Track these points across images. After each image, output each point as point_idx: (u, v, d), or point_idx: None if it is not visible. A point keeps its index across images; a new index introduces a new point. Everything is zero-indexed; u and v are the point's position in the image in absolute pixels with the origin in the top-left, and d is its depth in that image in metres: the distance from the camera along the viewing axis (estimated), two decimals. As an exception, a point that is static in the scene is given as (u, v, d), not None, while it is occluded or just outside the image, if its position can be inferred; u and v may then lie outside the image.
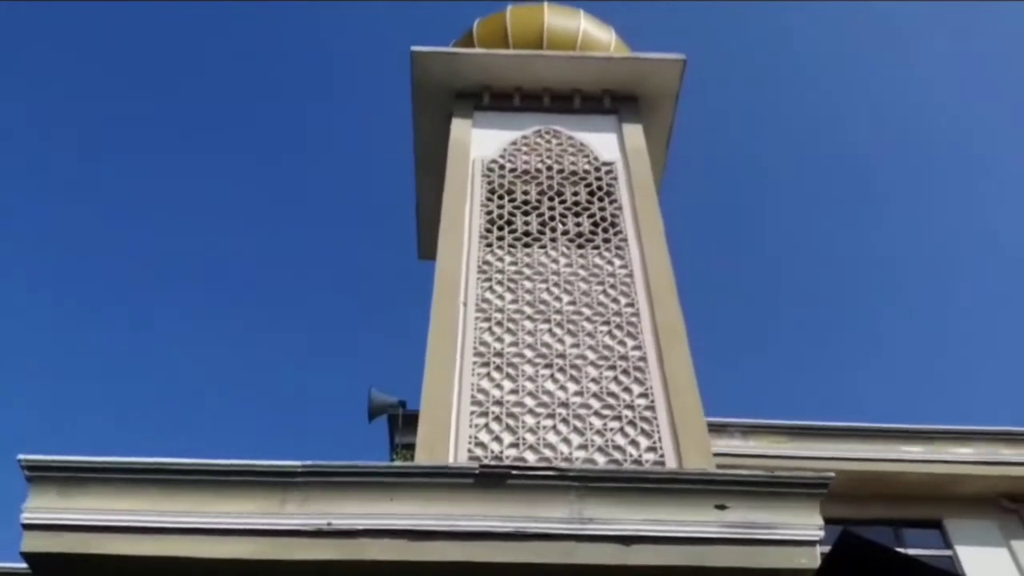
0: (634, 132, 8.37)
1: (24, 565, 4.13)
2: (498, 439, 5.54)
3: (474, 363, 6.01)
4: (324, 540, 4.05)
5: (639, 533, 4.00)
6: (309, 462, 4.28)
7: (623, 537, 3.99)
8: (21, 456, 4.26)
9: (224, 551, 4.02)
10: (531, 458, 5.33)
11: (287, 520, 4.11)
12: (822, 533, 4.08)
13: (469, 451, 5.44)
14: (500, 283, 6.67)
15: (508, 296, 6.57)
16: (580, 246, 7.04)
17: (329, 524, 4.08)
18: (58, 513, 4.08)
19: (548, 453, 5.41)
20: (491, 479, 4.22)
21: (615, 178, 7.76)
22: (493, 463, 4.40)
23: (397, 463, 5.23)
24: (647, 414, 5.66)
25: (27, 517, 4.06)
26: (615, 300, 6.50)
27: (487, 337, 6.21)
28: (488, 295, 6.57)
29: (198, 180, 23.52)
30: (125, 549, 4.00)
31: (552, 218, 7.30)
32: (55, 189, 22.36)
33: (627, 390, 5.82)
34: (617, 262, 6.84)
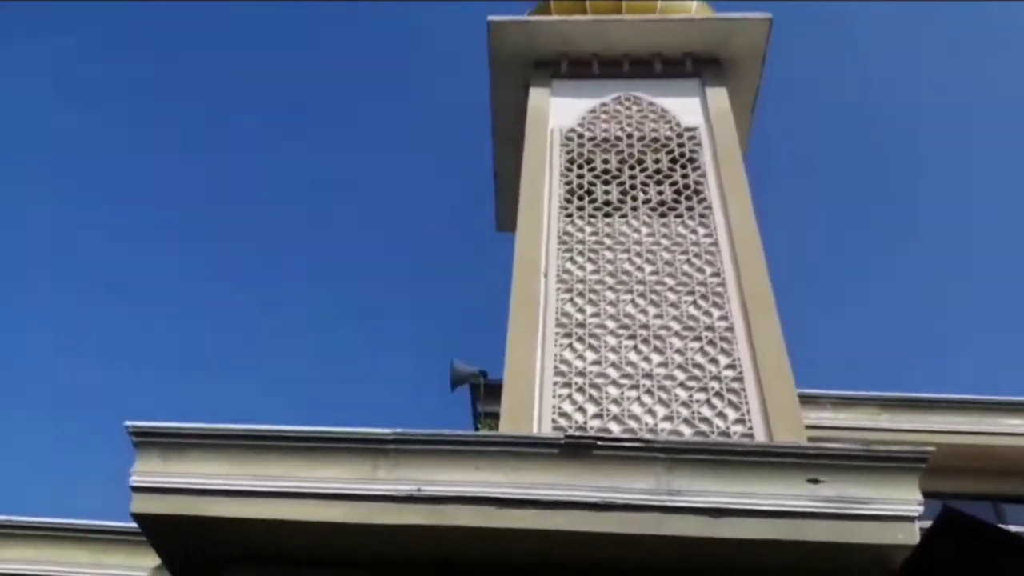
0: (718, 95, 8.13)
1: (134, 525, 4.36)
2: (582, 410, 5.54)
3: (556, 334, 6.00)
4: (414, 505, 4.13)
5: (729, 506, 3.94)
6: (399, 430, 4.36)
7: (712, 510, 3.93)
8: (128, 422, 4.48)
9: (318, 514, 4.14)
10: (615, 429, 5.31)
11: (378, 485, 4.20)
12: (921, 508, 3.94)
13: (553, 421, 5.45)
14: (581, 254, 6.62)
15: (589, 267, 6.52)
16: (662, 215, 6.92)
17: (419, 490, 4.16)
18: (162, 477, 4.28)
19: (633, 424, 5.38)
20: (577, 449, 4.21)
21: (698, 144, 7.57)
22: (578, 434, 4.39)
23: (483, 432, 5.28)
24: (735, 385, 5.55)
25: (135, 480, 4.27)
26: (700, 269, 6.37)
27: (569, 308, 6.18)
28: (569, 266, 6.54)
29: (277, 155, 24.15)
30: (224, 511, 4.16)
31: (633, 187, 7.19)
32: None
33: (713, 361, 5.72)
34: (701, 231, 6.69)
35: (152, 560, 4.99)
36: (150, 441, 4.39)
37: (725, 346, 5.79)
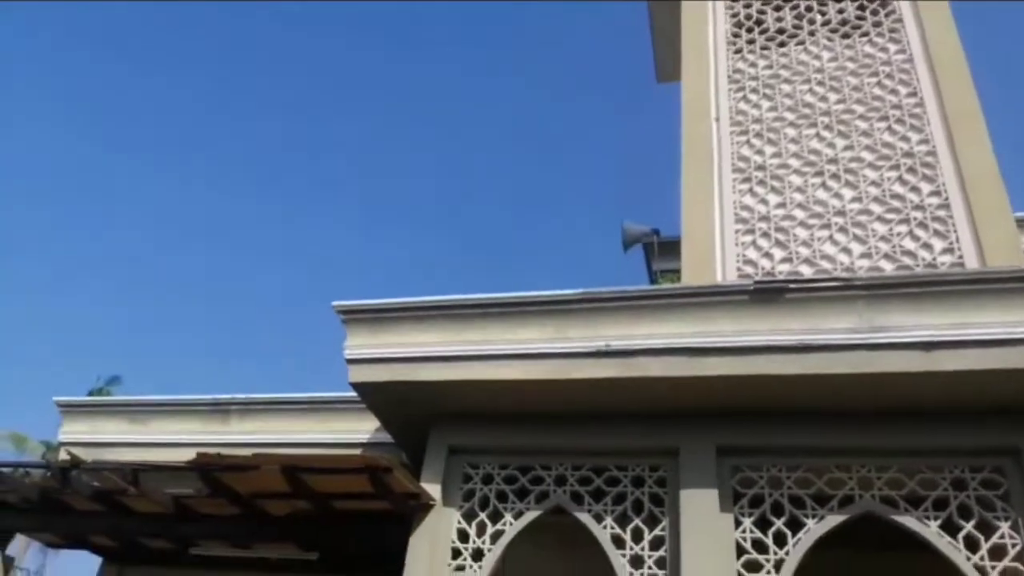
0: None
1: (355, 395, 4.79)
2: (768, 255, 5.32)
3: (734, 180, 5.73)
4: (604, 360, 4.23)
5: (941, 338, 3.71)
6: (583, 290, 4.43)
7: (923, 343, 3.72)
8: (335, 303, 4.85)
9: (515, 373, 4.35)
10: (807, 272, 5.07)
11: (568, 344, 4.33)
12: None
13: (738, 270, 5.29)
14: (755, 91, 6.19)
15: (765, 104, 6.09)
16: (845, 35, 6.26)
17: (608, 345, 4.24)
18: (372, 349, 4.64)
19: (826, 265, 5.11)
20: (767, 294, 4.09)
21: (881, -52, 6.69)
22: (767, 279, 4.24)
23: (667, 285, 5.23)
24: (940, 213, 5.09)
25: (348, 353, 4.67)
26: (893, 91, 5.77)
27: (746, 151, 5.86)
28: (742, 106, 6.14)
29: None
30: (430, 376, 4.47)
31: (809, 8, 6.52)
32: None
33: (914, 190, 5.25)
34: (892, 48, 6.01)
35: (373, 423, 5.49)
36: (357, 318, 4.76)
37: (927, 172, 5.28)
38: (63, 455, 5.94)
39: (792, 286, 4.05)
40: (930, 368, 3.68)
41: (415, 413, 4.74)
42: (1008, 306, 3.72)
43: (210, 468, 4.39)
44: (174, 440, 6.09)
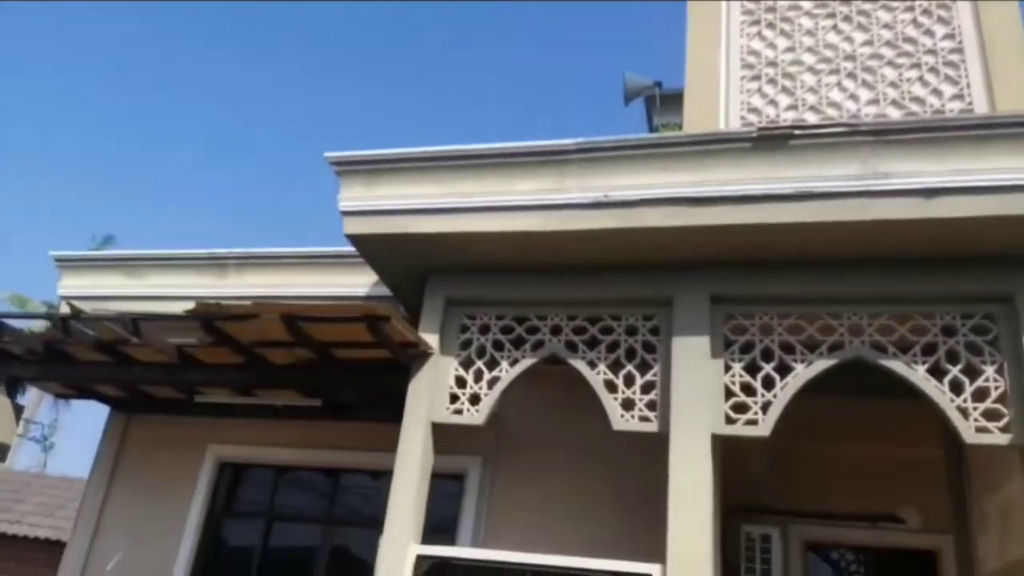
0: None
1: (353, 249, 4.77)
2: (773, 103, 5.16)
3: (742, 22, 5.47)
4: (603, 211, 4.19)
5: (944, 184, 3.65)
6: (582, 139, 4.32)
7: (925, 190, 3.66)
8: (327, 154, 4.74)
9: (511, 225, 4.31)
10: (812, 119, 4.93)
11: (567, 195, 4.27)
12: None
13: (742, 118, 5.15)
14: (767, -73, 5.79)
15: (777, -59, 5.71)
16: None
17: (606, 196, 4.19)
18: (367, 201, 4.58)
19: (832, 112, 4.97)
20: (771, 142, 3.99)
21: None
22: (771, 126, 4.12)
23: (668, 134, 5.09)
24: (953, 58, 4.89)
25: (343, 206, 4.61)
26: (913, -74, 5.41)
27: (755, -7, 5.55)
28: (753, -57, 5.76)
29: None
30: (427, 228, 4.44)
31: None
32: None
33: (928, 33, 5.02)
34: None
35: (371, 277, 5.52)
36: (351, 169, 4.67)
37: (943, 14, 5.03)
38: (64, 308, 6.01)
39: (796, 132, 3.95)
40: (930, 215, 3.64)
41: (411, 266, 4.75)
42: (1012, 152, 3.64)
43: (210, 317, 4.43)
44: (172, 293, 6.13)
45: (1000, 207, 3.57)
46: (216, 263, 6.43)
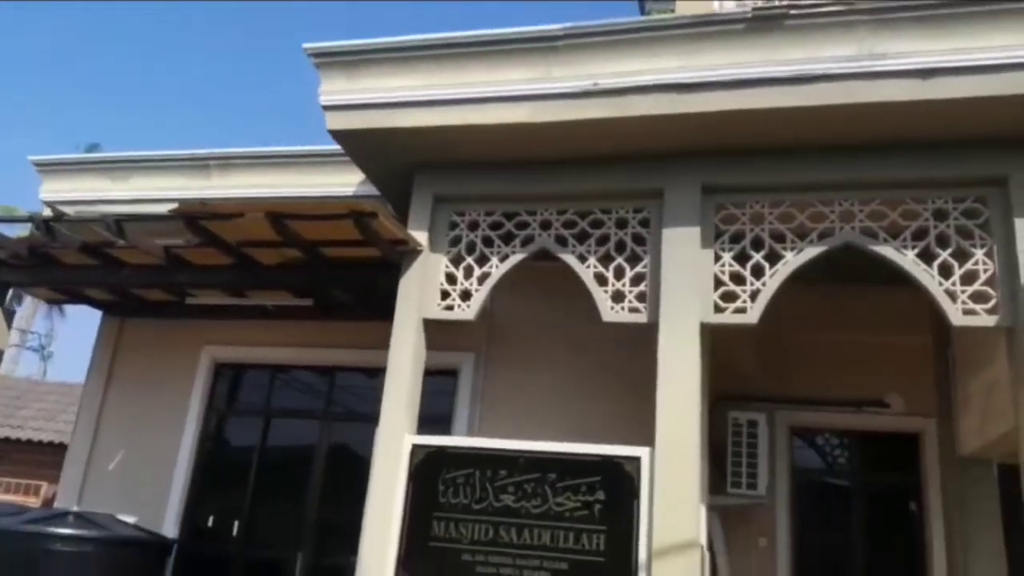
0: None
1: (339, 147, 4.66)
2: (769, -16, 4.96)
3: (737, -102, 5.20)
4: (592, 100, 4.08)
5: (941, 64, 3.55)
6: (569, 24, 4.16)
7: (922, 70, 3.57)
8: (306, 45, 4.57)
9: (499, 117, 4.21)
10: None
11: (554, 84, 4.15)
12: None
13: (737, 1, 4.96)
14: None
15: None
16: None
17: (596, 84, 4.07)
18: (348, 94, 4.44)
19: (829, -7, 4.77)
20: (766, 23, 3.85)
21: None
22: (766, 6, 3.97)
23: (658, 17, 4.92)
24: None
25: (324, 100, 4.48)
26: None
27: None
28: None
29: None
30: (409, 121, 4.33)
31: None
32: None
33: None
34: None
35: (358, 176, 5.43)
36: (331, 61, 4.51)
37: None
38: (47, 212, 5.92)
39: (792, 12, 3.80)
40: (926, 96, 3.56)
41: (397, 162, 4.66)
42: (1014, 29, 3.52)
43: (194, 216, 4.37)
44: (156, 196, 6.04)
45: (1001, 87, 3.48)
46: (200, 164, 6.31)
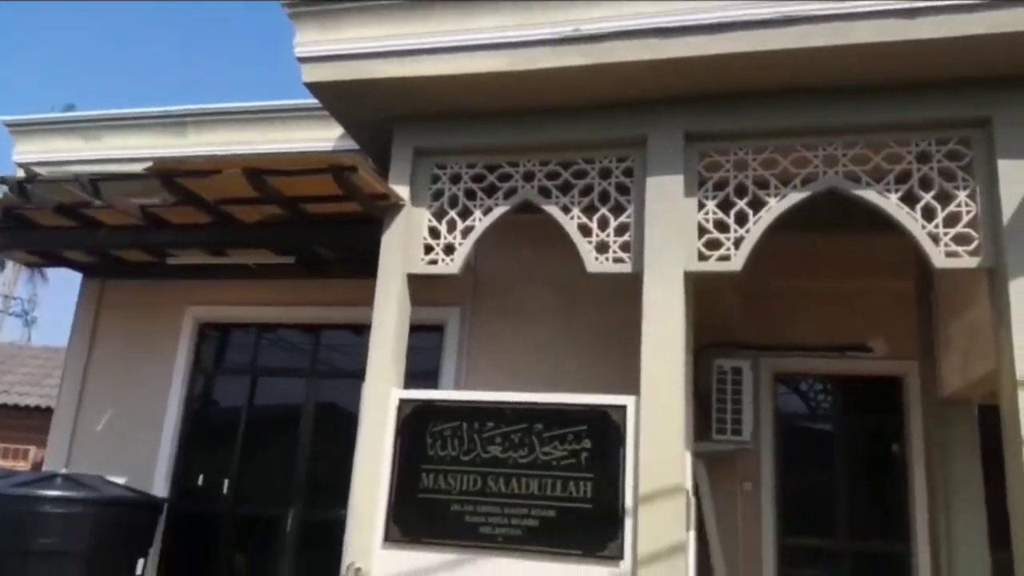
0: None
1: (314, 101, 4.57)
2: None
3: None
4: (573, 46, 4.01)
5: (925, 4, 3.50)
6: (547, -36, 4.06)
7: (907, 9, 3.52)
8: (280, -6, 4.45)
9: (478, 66, 4.13)
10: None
11: (533, 31, 4.07)
12: None
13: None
14: None
15: None
16: None
17: (576, 30, 3.99)
18: (323, 45, 4.34)
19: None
20: (747, -37, 3.77)
21: None
22: (748, -53, 3.88)
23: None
24: None
25: (299, 51, 4.38)
26: None
27: None
28: None
29: None
30: (385, 72, 4.24)
31: None
32: None
33: None
34: None
35: (337, 130, 5.34)
36: (305, 11, 4.39)
37: None
38: (20, 174, 5.81)
39: (773, -46, 3.72)
40: (911, 36, 3.51)
41: (376, 115, 4.58)
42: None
43: (170, 174, 4.29)
44: (132, 155, 5.94)
45: (990, 25, 3.44)
46: (176, 121, 6.20)
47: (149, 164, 4.33)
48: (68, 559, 4.92)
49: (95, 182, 4.66)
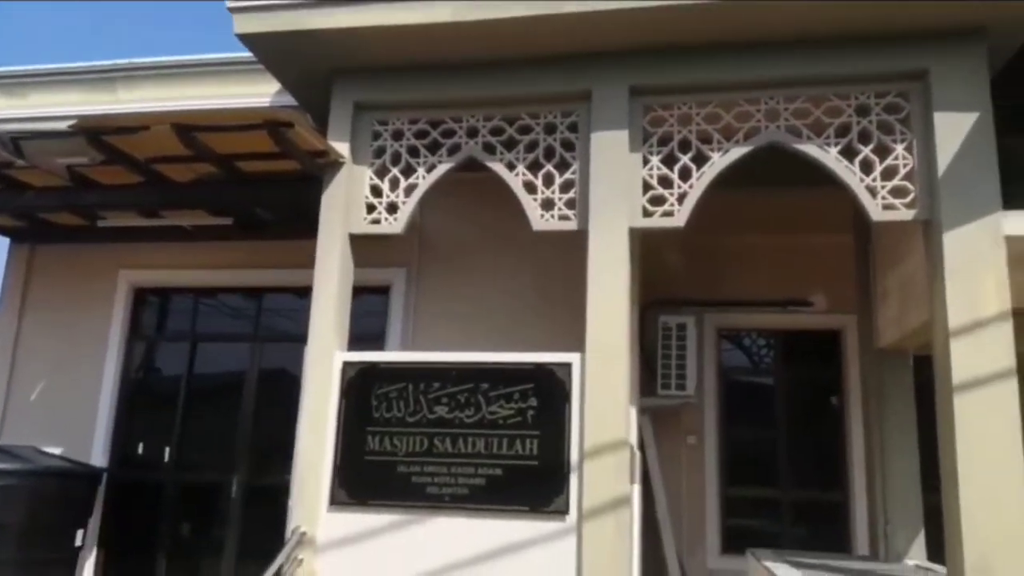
0: None
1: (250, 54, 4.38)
2: None
3: None
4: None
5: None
6: (488, -85, 3.94)
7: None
8: (207, -59, 4.24)
9: (420, 16, 4.01)
10: None
11: (477, -19, 3.96)
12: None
13: None
14: None
15: None
16: None
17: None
18: (258, -7, 4.16)
19: None
20: (691, -87, 3.71)
21: None
22: None
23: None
24: None
25: (229, 3, 4.19)
26: None
27: None
28: None
29: None
30: (321, 23, 4.09)
31: None
32: None
33: None
34: None
35: (274, 85, 5.16)
36: (234, -42, 4.20)
37: None
38: (-65, 133, 5.49)
39: (717, -97, 3.67)
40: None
41: (314, 69, 4.42)
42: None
43: (96, 131, 4.10)
44: (58, 113, 5.62)
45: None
46: (104, 77, 5.91)
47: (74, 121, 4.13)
48: (1, 532, 4.77)
49: (17, 140, 4.43)
